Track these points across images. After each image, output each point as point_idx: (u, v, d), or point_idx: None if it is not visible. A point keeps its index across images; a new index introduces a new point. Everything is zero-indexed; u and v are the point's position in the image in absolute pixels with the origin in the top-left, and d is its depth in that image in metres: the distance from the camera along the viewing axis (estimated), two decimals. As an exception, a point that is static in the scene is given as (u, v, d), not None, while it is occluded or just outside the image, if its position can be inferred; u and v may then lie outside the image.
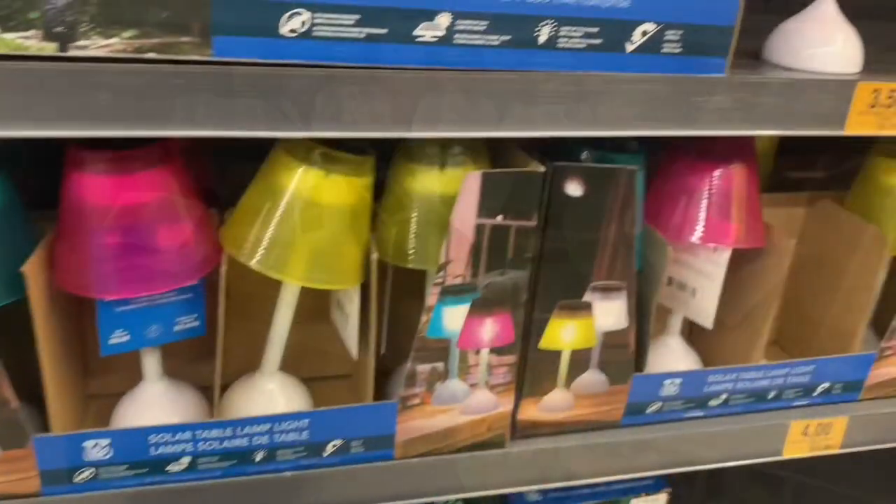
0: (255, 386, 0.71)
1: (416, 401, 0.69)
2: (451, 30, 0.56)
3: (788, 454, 0.84)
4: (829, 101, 0.66)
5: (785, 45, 0.71)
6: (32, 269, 0.59)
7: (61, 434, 0.62)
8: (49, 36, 0.50)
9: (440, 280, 0.64)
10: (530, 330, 0.71)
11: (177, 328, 0.66)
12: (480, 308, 0.67)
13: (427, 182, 0.66)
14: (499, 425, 0.73)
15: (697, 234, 0.74)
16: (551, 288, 0.69)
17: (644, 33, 0.59)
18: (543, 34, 0.58)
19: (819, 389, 0.84)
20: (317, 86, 0.55)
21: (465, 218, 0.63)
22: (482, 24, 0.56)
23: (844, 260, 0.84)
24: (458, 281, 0.65)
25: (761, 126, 0.65)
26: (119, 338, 0.64)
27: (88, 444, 0.63)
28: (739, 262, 0.79)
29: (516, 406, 0.73)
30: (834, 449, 0.86)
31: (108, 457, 0.64)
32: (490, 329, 0.68)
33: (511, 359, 0.70)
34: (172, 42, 0.52)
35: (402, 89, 0.56)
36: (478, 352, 0.69)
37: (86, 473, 0.64)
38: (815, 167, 0.96)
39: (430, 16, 0.55)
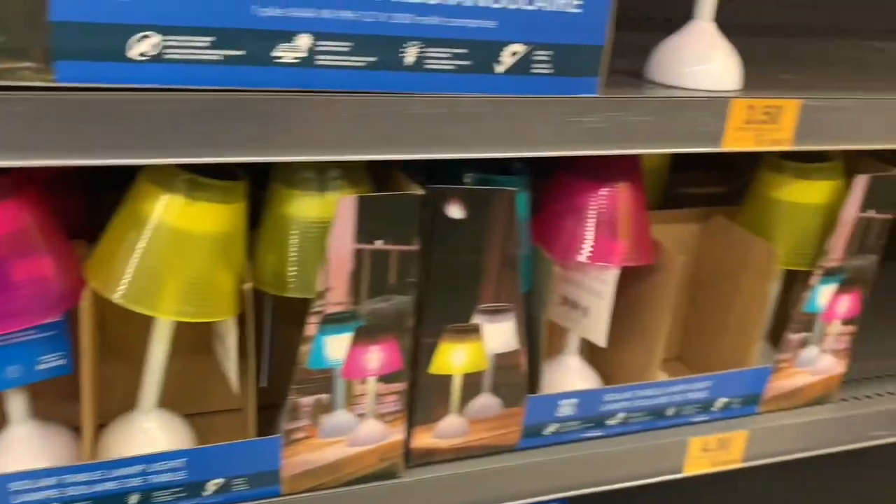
0: (132, 425, 0.68)
1: (302, 434, 0.67)
2: (312, 51, 0.54)
3: (689, 471, 0.84)
4: (705, 118, 0.66)
5: (664, 64, 0.71)
6: None
7: None
8: None
9: (319, 308, 0.62)
10: (419, 356, 0.69)
11: (40, 367, 0.63)
12: (364, 336, 0.65)
13: (304, 207, 0.64)
14: (391, 455, 0.71)
15: (585, 254, 0.74)
16: (438, 312, 0.68)
17: (513, 54, 0.59)
18: (410, 55, 0.57)
19: (718, 405, 0.84)
20: (172, 110, 0.53)
21: (343, 243, 0.61)
22: (346, 46, 0.55)
23: (738, 274, 0.85)
24: (339, 308, 0.63)
25: (637, 145, 0.65)
26: (-26, 380, 0.60)
27: (-61, 496, 0.58)
28: (631, 280, 0.79)
29: (408, 434, 0.71)
30: (735, 464, 0.86)
31: (-37, 509, 0.60)
32: (376, 357, 0.66)
33: (400, 386, 0.68)
34: (11, 68, 0.49)
35: (264, 112, 0.54)
36: (364, 381, 0.67)
37: (-62, 528, 0.59)
38: (710, 183, 0.97)
39: (289, 37, 0.54)
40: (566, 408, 0.77)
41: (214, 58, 0.52)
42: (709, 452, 0.84)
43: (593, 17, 0.59)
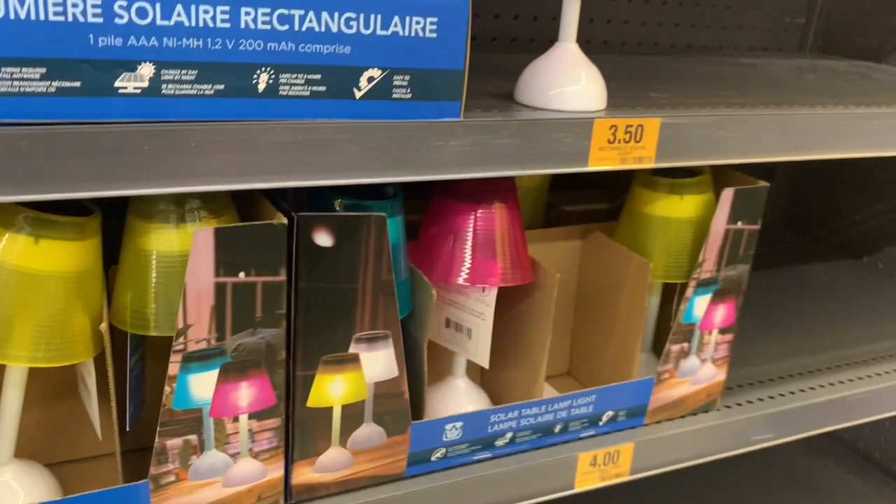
0: (-15, 479, 0.64)
1: (171, 478, 0.64)
2: (156, 80, 0.52)
3: (580, 486, 0.84)
4: (569, 139, 0.67)
5: (531, 86, 0.72)
6: None
7: None
8: None
9: (181, 346, 0.60)
10: (295, 389, 0.67)
11: None
12: (232, 372, 0.63)
13: (163, 240, 0.62)
14: (270, 493, 0.68)
15: (463, 276, 0.74)
16: (313, 343, 0.66)
17: (370, 79, 0.58)
18: (261, 82, 0.55)
19: (604, 418, 0.85)
20: (2, 144, 0.50)
21: (202, 277, 0.59)
22: (191, 74, 0.53)
23: (617, 289, 0.86)
24: (203, 346, 0.61)
25: (503, 167, 0.65)
26: None
27: None
28: (512, 299, 0.79)
29: (287, 471, 0.69)
30: (624, 476, 0.87)
31: None
32: (246, 393, 0.64)
33: (275, 422, 0.66)
34: None
35: (105, 145, 0.52)
36: (236, 419, 0.64)
37: None
38: (593, 199, 0.99)
39: (131, 66, 0.51)
40: (452, 431, 0.76)
41: (46, 90, 0.50)
42: (597, 467, 0.84)
43: (450, 42, 0.59)
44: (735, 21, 1.36)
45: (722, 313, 0.86)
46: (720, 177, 0.84)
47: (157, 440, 0.62)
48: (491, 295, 0.75)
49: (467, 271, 0.74)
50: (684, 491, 1.31)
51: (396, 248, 0.69)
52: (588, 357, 0.93)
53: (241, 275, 0.60)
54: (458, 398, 0.82)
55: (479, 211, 0.74)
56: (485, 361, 0.77)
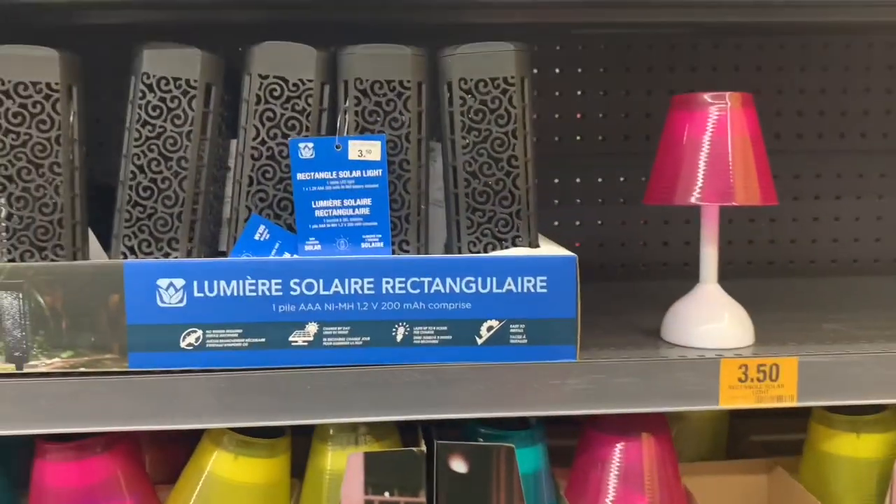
0: None
1: None
2: (318, 335, 0.68)
3: None
4: (694, 378, 0.69)
5: (676, 325, 0.76)
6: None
7: None
8: (10, 359, 0.67)
9: (337, 554, 0.71)
10: None
11: None
12: (380, 582, 0.71)
13: (337, 462, 0.75)
14: None
15: (606, 508, 0.76)
16: (454, 562, 0.73)
17: (489, 328, 0.68)
18: (399, 334, 0.68)
19: None
20: (211, 386, 0.68)
21: (353, 496, 0.70)
22: (345, 329, 0.68)
23: (800, 533, 0.80)
24: (355, 556, 0.71)
25: (623, 405, 0.69)
26: None
27: None
28: (667, 536, 0.78)
29: None
30: None
31: None
32: None
33: None
34: (98, 359, 0.67)
35: (281, 385, 0.68)
36: None
37: None
38: (789, 428, 0.94)
39: (300, 325, 0.68)
40: None
41: (242, 345, 0.68)
42: None
43: (560, 296, 0.68)
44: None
45: (931, 572, 0.75)
46: (912, 413, 0.78)
47: None
48: (638, 529, 0.76)
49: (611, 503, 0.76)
50: None
51: (536, 475, 0.75)
52: None
53: (387, 494, 0.70)
54: None
55: (625, 443, 0.77)
56: None
